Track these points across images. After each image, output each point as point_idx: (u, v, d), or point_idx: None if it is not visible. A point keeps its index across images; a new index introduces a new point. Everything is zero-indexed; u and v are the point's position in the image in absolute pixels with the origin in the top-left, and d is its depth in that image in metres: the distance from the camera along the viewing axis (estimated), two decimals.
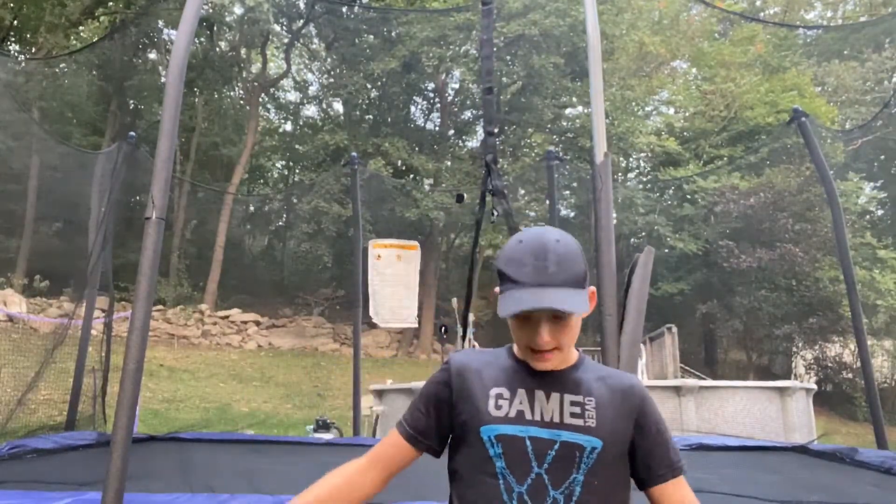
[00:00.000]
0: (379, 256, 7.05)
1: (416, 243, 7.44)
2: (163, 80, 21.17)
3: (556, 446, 1.24)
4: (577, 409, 1.26)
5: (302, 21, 24.22)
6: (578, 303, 1.22)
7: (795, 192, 18.56)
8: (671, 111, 26.85)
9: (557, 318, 1.23)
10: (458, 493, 1.31)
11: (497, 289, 1.29)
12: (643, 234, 21.84)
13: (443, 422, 1.34)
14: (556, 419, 1.26)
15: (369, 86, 23.48)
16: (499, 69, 20.19)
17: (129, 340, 2.73)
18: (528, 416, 1.27)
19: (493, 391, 1.29)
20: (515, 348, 1.35)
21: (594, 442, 1.24)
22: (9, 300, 16.15)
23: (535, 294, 1.19)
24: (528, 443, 1.25)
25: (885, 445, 5.98)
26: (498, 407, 1.28)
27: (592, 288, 1.31)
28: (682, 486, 1.32)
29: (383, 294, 7.06)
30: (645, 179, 27.31)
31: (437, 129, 25.16)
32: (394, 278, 7.08)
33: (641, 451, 1.29)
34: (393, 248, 7.16)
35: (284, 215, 29.96)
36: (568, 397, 1.27)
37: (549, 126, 22.86)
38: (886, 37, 23.53)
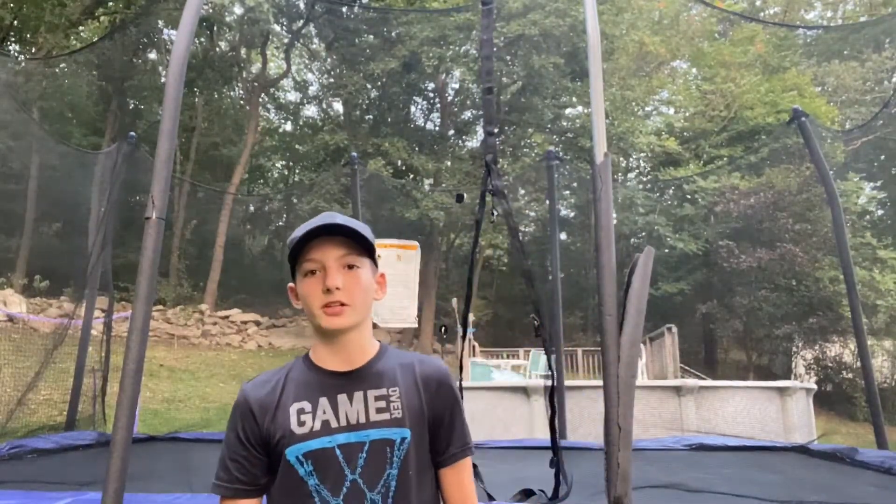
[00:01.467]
0: (378, 256, 6.98)
1: (415, 243, 7.34)
2: (163, 80, 21.16)
3: (366, 447, 1.22)
4: (383, 403, 1.25)
5: (302, 21, 24.21)
6: (366, 232, 1.28)
7: (795, 192, 18.55)
8: (671, 111, 26.85)
9: (350, 267, 1.25)
10: None
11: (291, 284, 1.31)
12: (643, 234, 21.85)
13: (262, 456, 1.25)
14: (363, 419, 1.24)
15: (369, 86, 23.49)
16: (499, 69, 20.19)
17: (129, 340, 2.73)
18: (334, 423, 1.23)
19: (294, 408, 1.24)
20: (311, 354, 1.31)
21: (403, 433, 1.24)
22: (9, 300, 16.15)
23: (319, 223, 1.25)
24: (337, 451, 1.22)
25: (885, 445, 5.98)
26: (301, 423, 1.23)
27: (383, 272, 1.36)
28: (462, 469, 1.32)
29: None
30: (645, 179, 27.32)
31: (437, 129, 25.17)
32: (393, 278, 7.00)
33: (435, 432, 1.29)
34: (392, 248, 7.09)
35: (284, 215, 29.98)
36: (371, 392, 1.25)
37: (549, 126, 22.86)
38: (886, 37, 23.51)
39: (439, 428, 1.29)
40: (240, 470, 1.25)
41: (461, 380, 2.82)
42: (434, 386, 1.29)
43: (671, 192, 24.64)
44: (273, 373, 1.32)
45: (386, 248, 7.02)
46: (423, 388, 1.28)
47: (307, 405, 1.24)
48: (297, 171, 30.80)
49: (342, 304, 1.23)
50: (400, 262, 6.96)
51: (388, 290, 1.34)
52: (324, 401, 1.24)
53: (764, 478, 4.57)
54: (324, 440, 1.22)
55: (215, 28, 24.05)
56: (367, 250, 1.29)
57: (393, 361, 1.30)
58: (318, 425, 1.22)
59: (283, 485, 1.23)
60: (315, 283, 1.24)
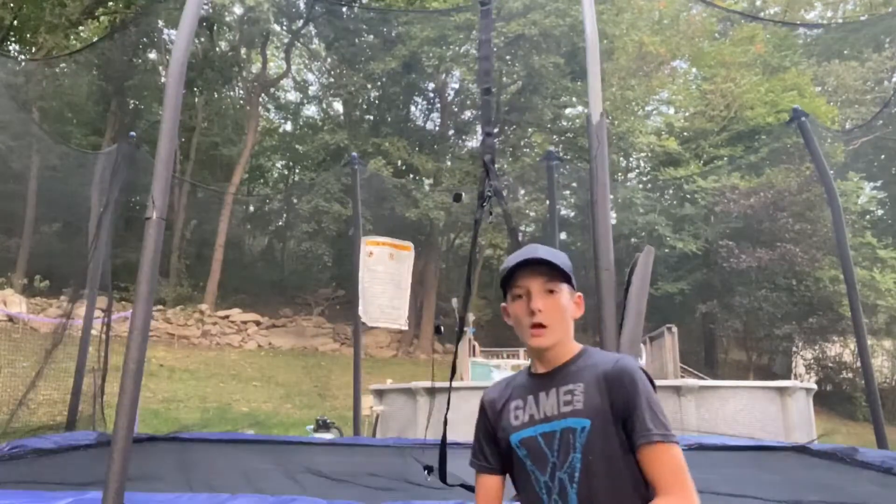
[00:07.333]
0: (371, 253, 6.87)
1: (409, 244, 7.24)
2: (163, 80, 21.16)
3: (558, 434, 1.46)
4: (568, 397, 1.47)
5: (302, 21, 24.21)
6: (563, 262, 1.51)
7: (795, 192, 18.54)
8: (671, 111, 26.83)
9: (550, 292, 1.50)
10: (518, 497, 1.56)
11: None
12: (643, 234, 21.83)
13: (492, 442, 1.60)
14: (555, 412, 1.48)
15: (369, 86, 23.48)
16: (499, 69, 20.19)
17: (129, 340, 2.73)
18: (537, 416, 1.50)
19: (512, 405, 1.56)
20: (531, 364, 1.60)
21: (583, 422, 1.43)
22: (9, 300, 16.16)
23: (525, 256, 1.52)
24: (539, 439, 1.48)
25: (885, 445, 5.98)
26: (516, 417, 1.54)
27: (580, 294, 1.58)
28: (652, 455, 1.40)
29: (373, 291, 6.82)
30: (645, 179, 27.31)
31: (437, 128, 25.17)
32: (385, 276, 6.88)
33: (624, 422, 1.42)
34: (385, 247, 6.99)
35: (284, 215, 29.98)
36: (562, 389, 1.49)
37: (549, 126, 22.85)
38: (886, 37, 23.50)
39: (625, 418, 1.42)
40: (480, 451, 1.61)
41: (451, 380, 2.81)
42: (612, 380, 1.44)
43: (671, 192, 24.61)
44: (506, 379, 1.68)
45: (378, 246, 6.95)
46: (603, 383, 1.45)
47: (520, 402, 1.55)
48: (297, 171, 30.79)
49: (542, 326, 1.48)
50: (392, 260, 6.88)
51: (378, 287, 1.47)
52: (531, 398, 1.54)
53: (764, 477, 4.57)
54: (530, 430, 1.50)
55: (215, 28, 24.04)
56: (565, 277, 1.52)
57: (586, 362, 1.52)
58: (527, 418, 1.52)
59: (513, 465, 1.55)
60: (522, 305, 1.51)
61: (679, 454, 1.42)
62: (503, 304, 1.59)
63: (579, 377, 1.48)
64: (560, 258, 1.52)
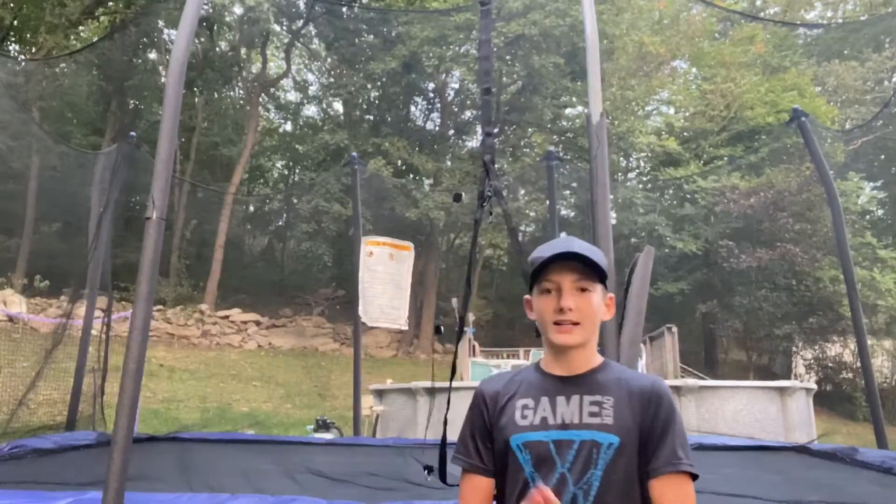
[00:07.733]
0: (371, 253, 6.88)
1: (410, 244, 7.23)
2: (163, 80, 21.16)
3: (576, 445, 1.34)
4: (595, 409, 1.36)
5: (302, 21, 24.21)
6: (600, 259, 1.39)
7: (795, 192, 18.54)
8: (671, 111, 26.83)
9: (582, 290, 1.38)
10: (506, 503, 1.42)
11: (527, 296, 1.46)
12: (643, 234, 21.83)
13: (488, 441, 1.45)
14: (577, 420, 1.36)
15: (369, 86, 23.49)
16: (499, 69, 20.19)
17: (129, 340, 2.73)
18: (551, 420, 1.38)
19: (520, 403, 1.42)
20: (541, 361, 1.48)
21: (611, 438, 1.33)
22: (9, 300, 16.15)
23: (560, 249, 1.39)
24: (551, 446, 1.36)
25: (885, 445, 5.98)
26: (524, 417, 1.40)
27: (612, 295, 1.47)
28: (674, 484, 1.33)
29: (373, 292, 6.83)
30: (645, 179, 27.30)
31: (437, 128, 25.17)
32: (385, 276, 6.88)
33: (645, 446, 1.34)
34: (385, 247, 6.99)
35: (284, 215, 29.98)
36: (587, 398, 1.38)
37: (549, 126, 22.85)
38: (886, 37, 23.50)
39: (649, 442, 1.34)
40: (474, 449, 1.45)
41: (451, 380, 2.80)
42: (647, 401, 1.36)
43: (671, 192, 24.60)
44: (506, 373, 1.55)
45: (378, 246, 6.95)
46: (636, 402, 1.36)
47: (531, 402, 1.41)
48: (297, 171, 30.79)
49: (573, 324, 1.37)
50: (392, 261, 6.88)
51: (378, 287, 1.43)
52: (545, 400, 1.40)
53: (764, 477, 4.57)
54: (540, 434, 1.37)
55: (215, 28, 24.04)
56: (599, 276, 1.40)
57: (612, 375, 1.42)
58: (537, 420, 1.38)
59: (506, 468, 1.41)
60: (550, 301, 1.39)
61: (694, 493, 1.35)
62: (527, 297, 1.47)
63: (608, 390, 1.38)
64: (597, 255, 1.41)
